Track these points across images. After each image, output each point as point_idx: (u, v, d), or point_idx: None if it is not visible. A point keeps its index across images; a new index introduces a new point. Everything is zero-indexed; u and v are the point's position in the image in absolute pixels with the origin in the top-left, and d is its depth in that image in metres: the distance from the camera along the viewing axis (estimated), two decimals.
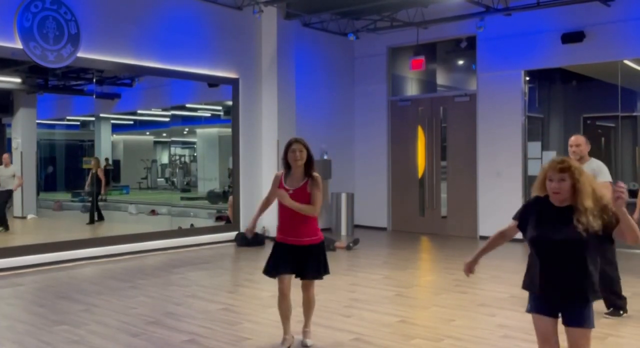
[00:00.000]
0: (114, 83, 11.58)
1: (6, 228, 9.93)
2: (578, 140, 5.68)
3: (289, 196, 4.44)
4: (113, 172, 12.79)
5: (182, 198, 13.99)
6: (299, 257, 4.50)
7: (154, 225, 11.19)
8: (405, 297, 6.57)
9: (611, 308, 5.59)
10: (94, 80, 10.17)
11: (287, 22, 11.03)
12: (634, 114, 10.98)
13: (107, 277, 7.67)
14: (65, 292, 6.75)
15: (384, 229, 12.48)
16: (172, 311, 5.88)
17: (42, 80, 10.98)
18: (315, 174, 4.52)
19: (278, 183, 4.56)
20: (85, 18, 8.67)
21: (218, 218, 12.01)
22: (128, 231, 9.94)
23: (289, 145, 4.56)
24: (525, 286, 3.18)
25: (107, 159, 12.59)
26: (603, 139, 11.66)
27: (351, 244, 9.90)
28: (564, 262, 3.02)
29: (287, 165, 4.57)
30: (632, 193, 9.28)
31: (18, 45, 8.01)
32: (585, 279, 2.98)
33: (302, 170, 4.51)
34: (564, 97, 12.25)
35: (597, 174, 5.61)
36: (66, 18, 8.46)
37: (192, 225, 11.27)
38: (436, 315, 5.77)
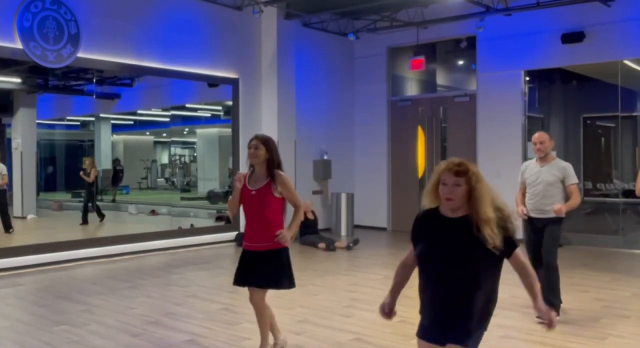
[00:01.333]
0: (114, 83, 11.58)
1: (6, 228, 9.84)
2: (542, 137, 5.47)
3: (252, 196, 4.22)
4: (113, 172, 12.81)
5: (182, 199, 13.98)
6: (253, 263, 4.27)
7: (154, 225, 11.19)
8: (405, 297, 6.50)
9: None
10: (94, 80, 10.17)
11: (287, 22, 11.03)
12: (634, 114, 10.99)
13: (107, 277, 7.67)
14: (65, 292, 6.75)
15: (384, 229, 12.48)
16: (172, 311, 5.89)
17: (42, 80, 10.97)
18: (280, 172, 4.25)
19: (242, 184, 4.29)
20: (85, 18, 8.67)
21: (218, 219, 12.00)
22: (128, 231, 9.95)
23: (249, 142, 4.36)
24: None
25: (117, 159, 12.72)
26: (603, 139, 11.66)
27: (351, 244, 9.90)
28: (451, 280, 2.62)
29: (251, 164, 4.34)
30: (631, 193, 9.30)
31: (18, 45, 8.01)
32: (471, 304, 2.59)
33: (264, 169, 4.25)
34: (564, 97, 12.26)
35: (565, 176, 5.39)
36: (66, 18, 8.46)
37: (192, 225, 11.27)
38: None
